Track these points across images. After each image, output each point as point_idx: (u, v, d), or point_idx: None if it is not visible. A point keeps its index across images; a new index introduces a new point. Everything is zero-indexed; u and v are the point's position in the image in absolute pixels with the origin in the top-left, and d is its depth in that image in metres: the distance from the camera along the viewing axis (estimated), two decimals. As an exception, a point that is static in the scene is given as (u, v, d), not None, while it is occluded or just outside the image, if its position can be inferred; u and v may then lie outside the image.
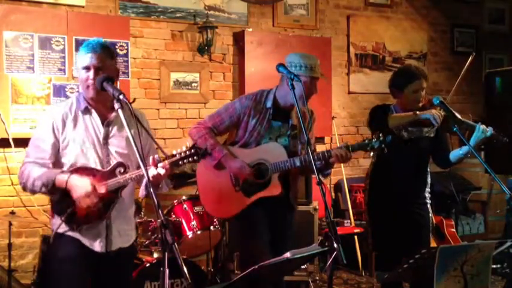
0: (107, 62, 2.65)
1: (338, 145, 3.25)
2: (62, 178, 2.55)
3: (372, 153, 3.62)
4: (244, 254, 3.50)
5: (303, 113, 3.33)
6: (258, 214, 3.31)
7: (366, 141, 3.12)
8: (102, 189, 2.57)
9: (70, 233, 2.63)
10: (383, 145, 3.09)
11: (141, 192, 2.77)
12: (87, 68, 2.61)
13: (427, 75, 3.61)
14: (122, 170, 2.61)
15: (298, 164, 3.20)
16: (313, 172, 3.44)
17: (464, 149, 3.44)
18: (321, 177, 2.76)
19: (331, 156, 3.16)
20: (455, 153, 3.54)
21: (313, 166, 2.70)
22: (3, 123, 4.69)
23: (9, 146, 4.73)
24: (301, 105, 3.24)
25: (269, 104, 3.33)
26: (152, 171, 2.50)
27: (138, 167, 2.63)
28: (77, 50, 4.88)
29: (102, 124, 2.68)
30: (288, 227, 3.43)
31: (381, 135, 3.09)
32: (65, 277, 2.64)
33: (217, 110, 3.47)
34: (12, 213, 4.17)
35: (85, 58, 2.61)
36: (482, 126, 3.29)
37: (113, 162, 2.64)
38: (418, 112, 3.39)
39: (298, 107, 2.91)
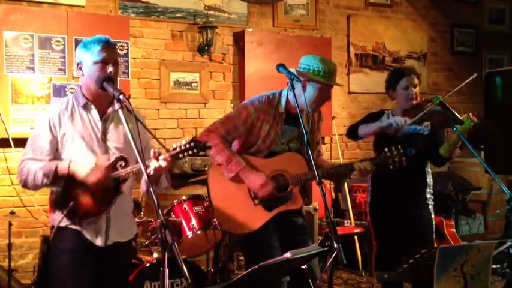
0: (118, 58, 2.71)
1: (362, 159, 3.14)
2: (63, 165, 2.57)
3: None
4: None
5: (311, 115, 3.20)
6: (270, 228, 3.13)
7: (388, 154, 3.05)
8: (105, 162, 2.58)
9: (72, 226, 2.64)
10: (404, 157, 3.03)
11: (142, 188, 2.78)
12: (105, 62, 2.59)
13: (418, 72, 3.61)
14: (123, 164, 2.62)
15: (320, 175, 2.98)
16: (336, 181, 3.39)
17: (450, 140, 3.46)
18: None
19: (353, 169, 3.06)
20: (443, 147, 3.54)
21: (313, 166, 2.69)
22: (3, 123, 4.69)
23: (9, 146, 4.73)
24: (312, 111, 3.16)
25: (282, 108, 3.14)
26: (154, 164, 2.51)
27: (137, 163, 2.65)
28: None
29: (101, 120, 2.69)
30: (300, 232, 3.25)
31: (400, 147, 3.04)
32: (66, 268, 2.64)
33: (228, 114, 3.24)
34: (12, 213, 4.17)
35: (101, 52, 2.59)
36: (467, 116, 3.29)
37: (112, 158, 2.65)
38: (381, 120, 3.36)
39: (299, 109, 2.82)
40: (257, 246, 3.13)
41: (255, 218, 3.12)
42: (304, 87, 3.02)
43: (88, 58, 2.61)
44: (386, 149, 3.08)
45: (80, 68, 2.65)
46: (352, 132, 3.62)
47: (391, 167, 3.07)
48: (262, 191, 3.08)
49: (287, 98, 3.15)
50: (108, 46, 2.63)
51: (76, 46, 4.83)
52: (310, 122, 3.19)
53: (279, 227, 3.17)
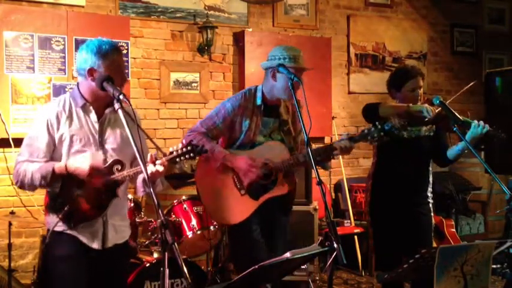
0: None
1: (340, 138, 3.22)
2: (60, 165, 2.57)
3: (373, 153, 3.70)
4: (239, 262, 3.39)
5: (290, 104, 3.34)
6: (254, 219, 3.24)
7: (366, 131, 3.09)
8: (101, 161, 2.59)
9: (68, 231, 2.64)
10: (382, 133, 3.05)
11: (139, 190, 2.78)
12: (122, 72, 2.65)
13: (423, 73, 3.64)
14: (119, 168, 2.61)
15: (302, 160, 3.16)
16: (321, 165, 3.47)
17: (461, 145, 3.46)
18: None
19: (334, 149, 3.14)
20: (452, 151, 3.54)
21: (313, 163, 2.71)
22: (3, 123, 4.69)
23: (9, 146, 4.73)
24: (288, 99, 3.27)
25: (259, 101, 3.26)
26: (151, 168, 2.51)
27: (133, 164, 2.67)
28: (76, 50, 4.87)
29: (98, 121, 2.69)
30: (281, 232, 3.36)
31: (377, 123, 3.07)
32: (63, 276, 2.64)
33: (208, 114, 3.37)
34: (12, 213, 4.17)
35: (116, 61, 2.62)
36: (479, 122, 3.29)
37: (109, 159, 2.65)
38: (410, 104, 3.40)
39: (297, 100, 2.93)
40: (242, 239, 3.25)
41: (244, 207, 3.22)
42: (274, 77, 3.19)
43: (104, 65, 2.58)
44: (364, 128, 3.13)
45: (92, 74, 2.60)
46: (371, 111, 3.49)
47: (370, 143, 3.15)
48: (250, 172, 3.17)
49: (263, 91, 3.28)
50: (122, 54, 2.69)
51: (76, 46, 4.89)
52: (298, 107, 3.29)
53: (262, 223, 3.26)
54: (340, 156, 5.81)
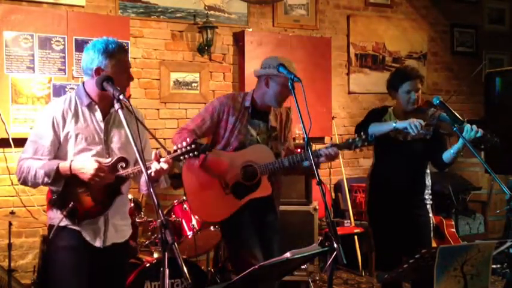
0: None
1: (326, 145, 3.25)
2: (64, 164, 2.57)
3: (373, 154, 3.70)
4: (236, 260, 3.43)
5: (279, 113, 3.41)
6: (245, 217, 3.29)
7: (350, 141, 3.13)
8: (106, 160, 2.59)
9: (71, 226, 2.65)
10: (366, 143, 3.12)
11: (141, 188, 2.79)
12: (128, 71, 2.72)
13: (422, 76, 3.60)
14: (124, 165, 2.62)
15: (286, 164, 3.20)
16: (299, 173, 3.54)
17: (455, 148, 3.43)
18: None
19: (320, 155, 3.17)
20: (447, 154, 3.52)
21: (313, 163, 2.71)
22: (3, 123, 4.69)
23: (9, 146, 4.73)
24: (278, 106, 3.34)
25: (247, 103, 3.34)
26: (155, 166, 2.53)
27: (136, 164, 2.68)
28: (76, 50, 4.90)
29: (103, 120, 2.70)
30: (273, 231, 3.40)
31: (362, 134, 3.11)
32: (65, 265, 2.64)
33: (198, 113, 3.45)
34: (12, 213, 4.17)
35: (126, 61, 2.70)
36: (472, 127, 3.26)
37: (114, 158, 2.66)
38: (395, 124, 3.38)
39: (298, 102, 2.89)
40: (234, 238, 3.31)
41: (226, 206, 3.29)
42: (267, 85, 3.26)
43: (111, 65, 2.61)
44: (349, 138, 3.15)
45: (99, 73, 2.61)
46: (362, 129, 3.53)
47: (353, 151, 3.16)
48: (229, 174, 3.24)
49: (253, 96, 3.37)
50: (128, 54, 2.76)
51: (76, 46, 4.89)
52: (281, 118, 3.42)
53: (252, 221, 3.31)
54: (340, 157, 5.87)
